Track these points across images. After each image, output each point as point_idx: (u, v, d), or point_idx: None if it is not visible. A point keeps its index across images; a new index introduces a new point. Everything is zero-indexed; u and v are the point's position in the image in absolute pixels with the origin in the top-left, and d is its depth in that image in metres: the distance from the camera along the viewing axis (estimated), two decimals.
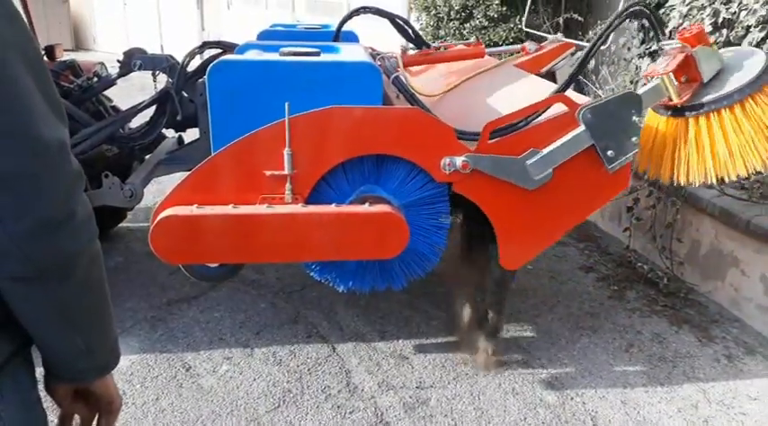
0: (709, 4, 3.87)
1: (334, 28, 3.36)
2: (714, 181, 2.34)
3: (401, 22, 3.30)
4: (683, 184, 2.45)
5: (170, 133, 3.73)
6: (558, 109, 2.38)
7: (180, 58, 3.37)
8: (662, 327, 3.18)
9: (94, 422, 1.04)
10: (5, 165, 0.77)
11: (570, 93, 2.57)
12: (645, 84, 2.59)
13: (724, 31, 3.77)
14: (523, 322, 3.16)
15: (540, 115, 2.39)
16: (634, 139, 2.35)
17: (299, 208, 2.20)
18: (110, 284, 0.96)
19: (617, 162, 2.36)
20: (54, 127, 0.82)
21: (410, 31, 3.33)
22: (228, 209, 2.17)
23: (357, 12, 3.27)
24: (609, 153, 2.34)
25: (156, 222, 2.15)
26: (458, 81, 3.07)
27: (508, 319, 3.02)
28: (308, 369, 2.75)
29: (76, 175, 0.86)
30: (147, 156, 3.67)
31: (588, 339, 3.00)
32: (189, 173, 2.25)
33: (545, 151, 2.32)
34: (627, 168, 2.40)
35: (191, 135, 3.54)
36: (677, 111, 2.44)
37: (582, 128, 2.32)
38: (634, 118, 2.33)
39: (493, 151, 2.31)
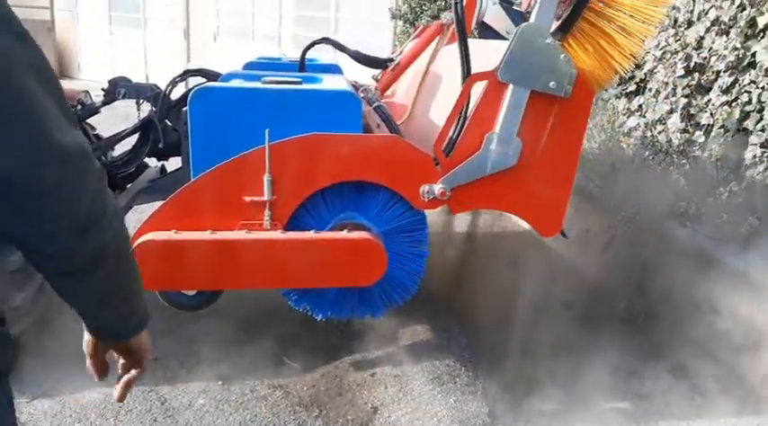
0: (682, 50, 4.02)
1: (319, 62, 3.42)
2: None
3: (354, 53, 3.35)
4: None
5: (153, 162, 3.72)
6: (482, 85, 2.33)
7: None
8: (638, 364, 3.19)
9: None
10: (33, 175, 0.82)
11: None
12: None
13: (696, 75, 3.91)
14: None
15: (469, 104, 2.34)
16: (563, 57, 2.26)
17: (277, 235, 2.20)
18: None
19: (564, 84, 2.28)
20: (70, 133, 0.87)
21: (365, 59, 3.39)
22: (206, 235, 2.16)
23: (319, 41, 3.36)
24: (551, 85, 2.28)
25: (133, 247, 2.13)
26: (413, 96, 3.06)
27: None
28: (286, 404, 2.70)
29: (100, 174, 0.92)
30: (129, 185, 3.66)
31: (566, 374, 2.99)
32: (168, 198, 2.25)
33: (498, 128, 2.30)
34: (579, 80, 2.30)
35: (174, 164, 3.54)
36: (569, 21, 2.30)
37: (510, 86, 2.28)
38: (546, 41, 2.24)
39: (456, 163, 2.31)
